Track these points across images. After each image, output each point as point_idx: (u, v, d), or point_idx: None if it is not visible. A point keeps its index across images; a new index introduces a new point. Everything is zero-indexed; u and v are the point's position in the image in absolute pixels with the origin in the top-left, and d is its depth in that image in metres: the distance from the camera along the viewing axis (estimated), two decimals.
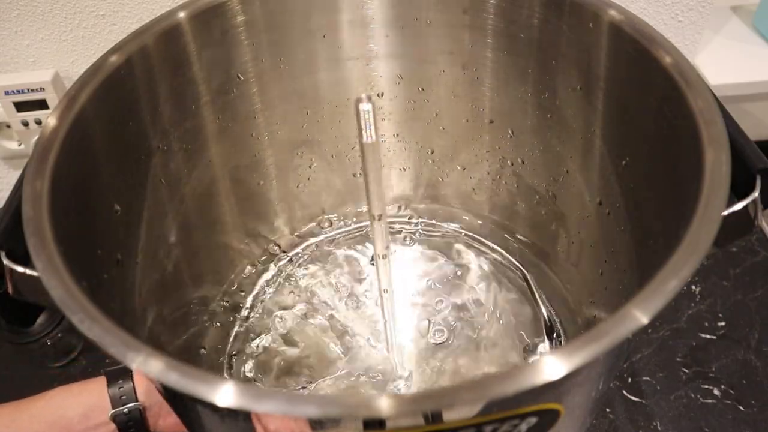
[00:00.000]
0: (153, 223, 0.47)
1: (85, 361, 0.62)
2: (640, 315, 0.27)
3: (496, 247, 0.62)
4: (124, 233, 0.43)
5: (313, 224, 0.65)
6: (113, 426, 0.45)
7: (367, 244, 0.63)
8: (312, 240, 0.65)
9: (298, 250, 0.64)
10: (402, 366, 0.53)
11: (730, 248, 0.66)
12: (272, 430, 0.28)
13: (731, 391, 0.55)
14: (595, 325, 0.27)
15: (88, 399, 0.45)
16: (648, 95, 0.41)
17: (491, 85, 0.55)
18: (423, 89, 0.58)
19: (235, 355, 0.56)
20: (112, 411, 0.45)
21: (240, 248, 0.60)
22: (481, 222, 0.64)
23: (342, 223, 0.66)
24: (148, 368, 0.26)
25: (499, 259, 0.61)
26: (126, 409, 0.45)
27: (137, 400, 0.45)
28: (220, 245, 0.58)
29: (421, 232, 0.65)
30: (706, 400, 0.55)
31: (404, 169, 0.64)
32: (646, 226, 0.42)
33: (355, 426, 0.27)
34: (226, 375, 0.55)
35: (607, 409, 0.55)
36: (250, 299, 0.60)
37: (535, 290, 0.59)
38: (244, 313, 0.59)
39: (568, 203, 0.55)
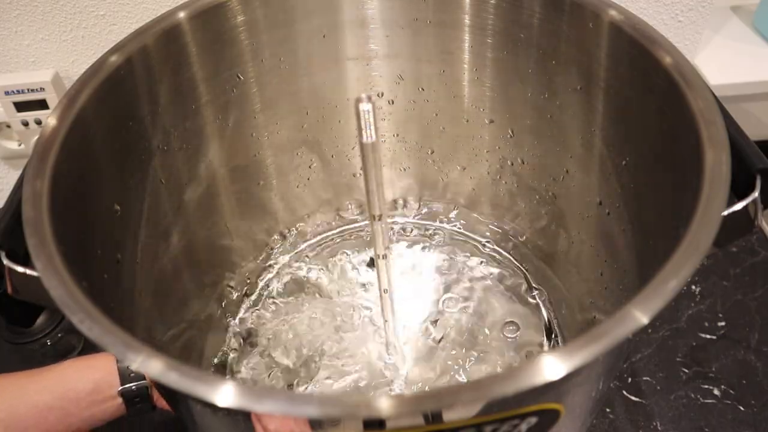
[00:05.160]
0: (153, 224, 0.47)
1: None
2: (640, 315, 0.27)
3: (495, 247, 0.62)
4: (124, 233, 0.43)
5: (313, 224, 0.65)
6: (120, 400, 0.45)
7: (367, 244, 0.63)
8: (312, 240, 0.65)
9: (298, 250, 0.64)
10: (402, 366, 0.53)
11: (730, 248, 0.66)
12: (272, 430, 0.28)
13: (731, 391, 0.55)
14: (595, 325, 0.27)
15: (97, 374, 0.45)
16: (648, 95, 0.41)
17: (491, 85, 0.55)
18: (423, 89, 0.58)
19: (234, 354, 0.56)
20: (121, 387, 0.45)
21: (240, 248, 0.60)
22: (480, 222, 0.64)
23: (342, 223, 0.66)
24: (148, 368, 0.26)
25: (499, 259, 0.61)
26: (134, 386, 0.45)
27: (145, 378, 0.45)
28: (220, 245, 0.58)
29: (421, 232, 0.65)
30: (706, 400, 0.55)
31: (404, 169, 0.64)
32: (646, 226, 0.42)
33: (355, 426, 0.27)
34: (226, 374, 0.55)
35: (607, 409, 0.55)
36: (249, 299, 0.60)
37: (534, 290, 0.59)
38: (244, 312, 0.59)
39: (568, 203, 0.55)
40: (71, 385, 0.44)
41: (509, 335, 0.55)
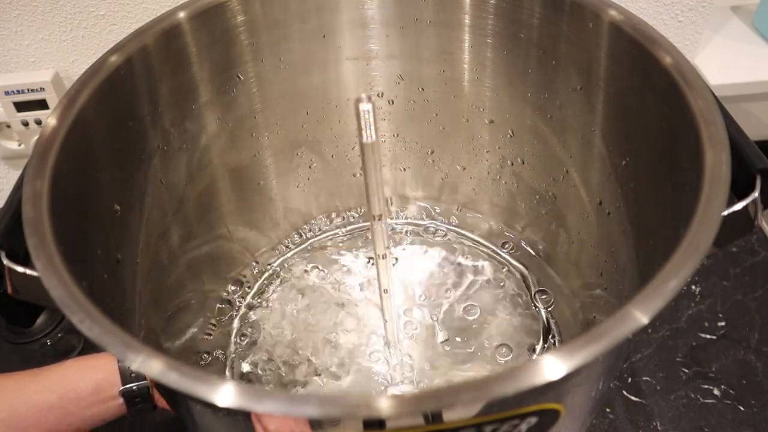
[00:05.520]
0: (153, 223, 0.47)
1: None
2: (640, 315, 0.27)
3: (495, 247, 0.62)
4: (124, 233, 0.43)
5: (313, 224, 0.65)
6: (121, 400, 0.45)
7: (367, 244, 0.63)
8: (312, 240, 0.65)
9: (298, 249, 0.64)
10: (402, 366, 0.53)
11: (730, 248, 0.66)
12: (272, 430, 0.28)
13: (731, 391, 0.55)
14: (595, 325, 0.27)
15: (98, 374, 0.45)
16: (648, 95, 0.41)
17: (491, 85, 0.55)
18: (423, 89, 0.58)
19: (234, 354, 0.56)
20: (122, 387, 0.45)
21: (240, 247, 0.60)
22: (480, 222, 0.64)
23: (342, 223, 0.66)
24: (148, 368, 0.26)
25: (499, 259, 0.61)
26: (135, 386, 0.45)
27: (146, 378, 0.45)
28: (219, 244, 0.58)
29: (421, 232, 0.65)
30: (706, 400, 0.55)
31: (404, 169, 0.64)
32: (646, 226, 0.42)
33: (355, 426, 0.27)
34: (226, 375, 0.55)
35: (607, 409, 0.55)
36: (249, 299, 0.60)
37: (534, 290, 0.59)
38: (244, 312, 0.59)
39: (568, 203, 0.55)
40: (72, 384, 0.44)
41: (509, 335, 0.55)
